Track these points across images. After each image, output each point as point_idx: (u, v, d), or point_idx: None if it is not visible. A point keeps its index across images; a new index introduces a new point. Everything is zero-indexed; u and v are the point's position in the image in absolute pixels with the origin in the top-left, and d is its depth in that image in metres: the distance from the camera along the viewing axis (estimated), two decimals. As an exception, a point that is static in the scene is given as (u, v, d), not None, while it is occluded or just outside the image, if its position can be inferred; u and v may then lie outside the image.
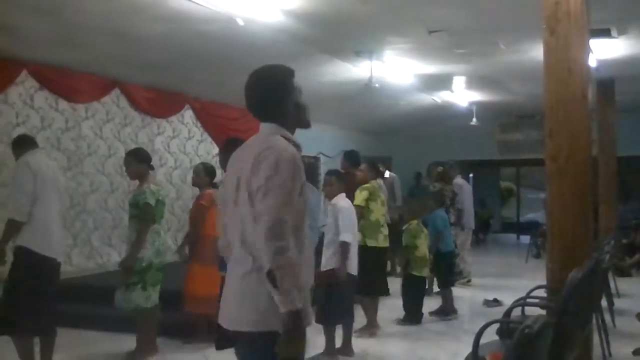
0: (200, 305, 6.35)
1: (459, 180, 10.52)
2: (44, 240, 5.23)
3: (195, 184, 7.00)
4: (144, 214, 5.88)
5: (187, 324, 6.74)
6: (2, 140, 7.86)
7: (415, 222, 7.92)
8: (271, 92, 2.96)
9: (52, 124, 8.67)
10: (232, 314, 2.78)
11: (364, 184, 7.21)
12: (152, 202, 5.92)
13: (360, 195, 7.03)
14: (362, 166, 7.43)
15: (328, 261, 6.04)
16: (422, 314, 7.84)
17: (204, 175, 6.74)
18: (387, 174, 11.08)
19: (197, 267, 6.44)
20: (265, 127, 2.97)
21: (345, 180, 6.52)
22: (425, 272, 7.88)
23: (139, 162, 6.06)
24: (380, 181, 9.05)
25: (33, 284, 5.18)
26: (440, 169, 10.39)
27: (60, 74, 8.63)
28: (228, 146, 5.06)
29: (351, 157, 7.74)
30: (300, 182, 2.76)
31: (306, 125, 3.02)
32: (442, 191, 9.40)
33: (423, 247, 7.80)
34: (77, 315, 7.04)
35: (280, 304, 2.50)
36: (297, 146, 2.90)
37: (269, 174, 2.66)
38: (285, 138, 2.87)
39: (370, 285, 7.11)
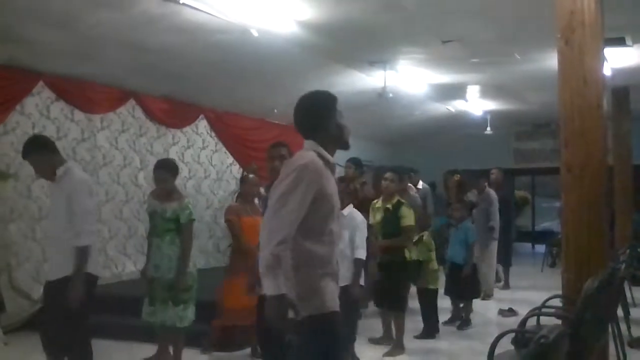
0: (237, 317, 6.32)
1: (490, 190, 10.29)
2: (96, 261, 5.07)
3: (250, 194, 6.69)
4: (188, 230, 5.83)
5: (205, 333, 6.73)
6: (19, 150, 7.90)
7: (426, 234, 7.86)
8: (312, 113, 3.32)
9: (67, 134, 8.73)
10: None
11: (393, 194, 6.94)
12: (195, 217, 5.89)
13: (410, 214, 6.87)
14: (389, 175, 7.02)
15: (341, 277, 5.81)
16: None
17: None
18: (420, 184, 10.90)
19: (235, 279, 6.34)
20: (306, 143, 3.29)
21: (354, 190, 6.40)
22: (438, 284, 7.81)
23: (173, 175, 5.96)
24: (413, 192, 8.99)
25: (88, 307, 4.99)
26: (457, 177, 10.22)
27: (76, 85, 8.71)
28: (269, 152, 5.08)
29: (356, 163, 7.75)
30: (317, 189, 3.10)
31: (345, 146, 3.38)
32: (471, 201, 9.24)
33: (434, 259, 7.77)
34: (92, 325, 7.07)
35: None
36: (328, 162, 3.23)
37: (279, 183, 3.11)
38: (318, 154, 3.21)
39: (404, 301, 7.11)
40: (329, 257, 3.23)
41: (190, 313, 5.87)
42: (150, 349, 6.27)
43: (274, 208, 3.05)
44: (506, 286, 10.99)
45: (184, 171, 10.95)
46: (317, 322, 3.13)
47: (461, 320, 8.17)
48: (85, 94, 8.90)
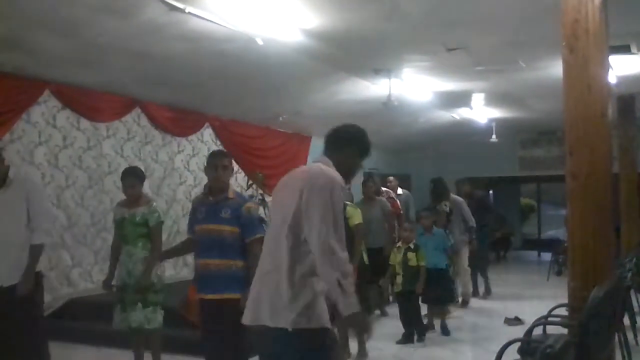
0: None
1: (454, 197, 10.29)
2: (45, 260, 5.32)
3: None
4: (158, 232, 5.94)
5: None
6: (25, 159, 7.96)
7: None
8: (350, 144, 3.58)
9: (74, 142, 8.76)
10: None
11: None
12: (163, 219, 5.97)
13: (357, 213, 7.10)
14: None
15: None
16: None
17: None
18: (400, 190, 11.03)
19: None
20: (323, 158, 3.51)
21: None
22: None
23: (141, 181, 6.05)
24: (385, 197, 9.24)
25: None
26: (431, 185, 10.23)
27: (82, 93, 8.73)
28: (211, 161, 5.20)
29: None
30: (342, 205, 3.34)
31: (345, 181, 3.51)
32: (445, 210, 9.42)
33: None
34: (96, 332, 7.09)
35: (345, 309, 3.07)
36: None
37: (321, 197, 3.20)
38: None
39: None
40: None
41: (159, 316, 5.90)
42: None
43: (329, 226, 3.14)
44: (488, 293, 10.97)
45: (189, 179, 10.96)
46: (311, 336, 3.17)
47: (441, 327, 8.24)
48: (91, 103, 8.92)
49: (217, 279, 4.94)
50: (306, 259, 3.18)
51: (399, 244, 7.90)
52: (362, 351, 6.84)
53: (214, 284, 4.93)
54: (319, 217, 3.14)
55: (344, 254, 3.11)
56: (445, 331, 8.11)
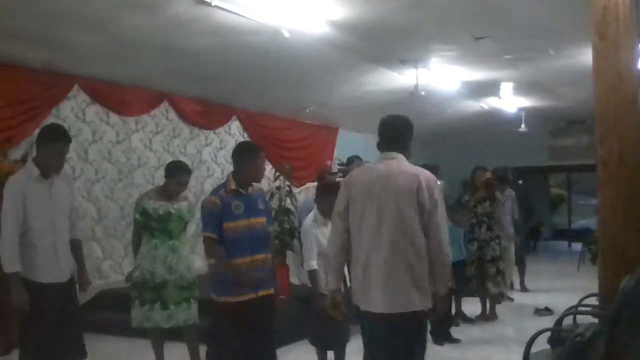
0: None
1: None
2: None
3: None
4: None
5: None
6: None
7: None
8: (408, 134, 4.22)
9: (103, 137, 8.85)
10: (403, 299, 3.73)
11: None
12: None
13: None
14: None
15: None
16: None
17: None
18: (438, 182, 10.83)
19: None
20: (399, 156, 4.07)
21: None
22: None
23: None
24: None
25: None
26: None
27: (111, 88, 8.82)
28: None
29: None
30: None
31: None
32: None
33: None
34: (127, 324, 7.15)
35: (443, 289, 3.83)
36: None
37: (439, 195, 3.92)
38: None
39: None
40: None
41: (196, 309, 5.75)
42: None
43: (444, 221, 3.93)
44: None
45: (216, 172, 11.02)
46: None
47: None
48: (119, 97, 9.01)
49: (266, 273, 4.83)
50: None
51: None
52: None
53: (263, 280, 4.79)
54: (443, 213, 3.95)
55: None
56: (468, 319, 8.25)
